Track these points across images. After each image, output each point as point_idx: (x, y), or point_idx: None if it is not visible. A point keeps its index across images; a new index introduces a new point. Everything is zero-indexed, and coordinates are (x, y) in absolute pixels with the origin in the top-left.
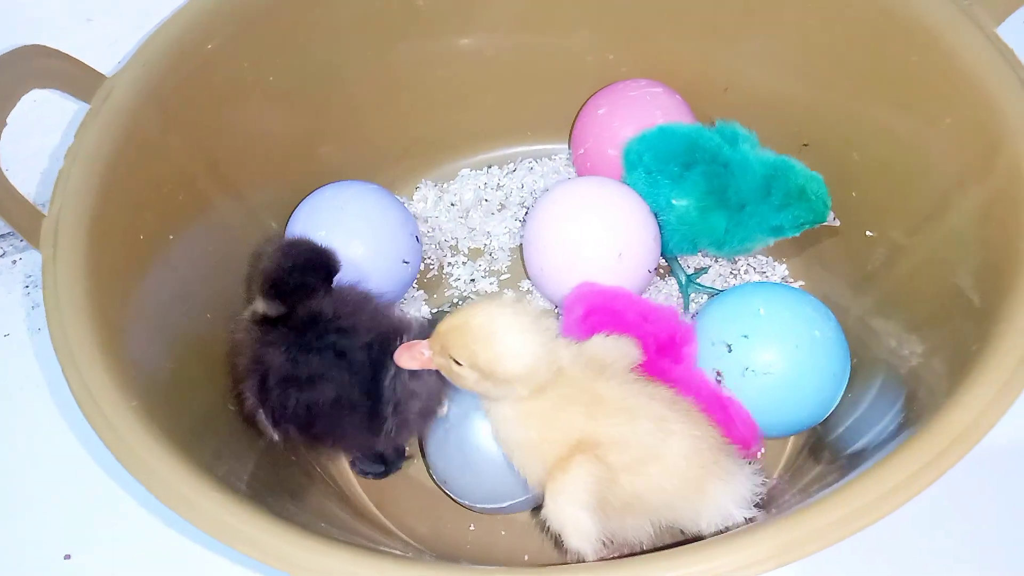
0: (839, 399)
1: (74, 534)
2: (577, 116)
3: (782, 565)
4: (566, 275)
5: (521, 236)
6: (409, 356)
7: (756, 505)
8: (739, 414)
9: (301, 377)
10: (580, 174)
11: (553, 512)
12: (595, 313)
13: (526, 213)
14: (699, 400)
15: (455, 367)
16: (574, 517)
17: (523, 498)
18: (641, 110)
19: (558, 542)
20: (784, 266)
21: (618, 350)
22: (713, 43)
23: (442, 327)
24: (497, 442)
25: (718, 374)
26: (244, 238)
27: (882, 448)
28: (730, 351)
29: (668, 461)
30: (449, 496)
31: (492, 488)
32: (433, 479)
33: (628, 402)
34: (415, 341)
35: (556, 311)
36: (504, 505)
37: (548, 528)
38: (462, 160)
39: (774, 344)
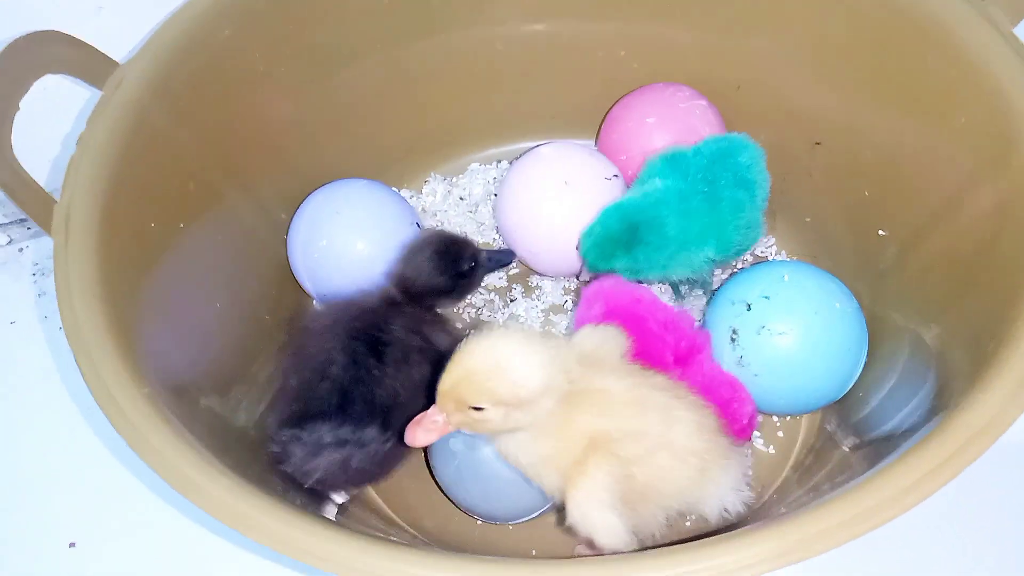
0: (854, 378)
1: (79, 522)
2: (613, 117)
3: (788, 564)
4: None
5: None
6: (423, 430)
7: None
8: (740, 392)
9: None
10: None
11: (580, 519)
12: (614, 316)
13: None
14: (702, 383)
15: (477, 415)
16: (602, 519)
17: (551, 503)
18: (690, 125)
19: (591, 544)
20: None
21: (609, 340)
22: (725, 41)
23: (446, 386)
24: (515, 468)
25: (733, 332)
26: (253, 228)
27: (904, 439)
28: (749, 310)
29: (675, 448)
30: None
31: (521, 505)
32: (461, 510)
33: (634, 393)
34: (419, 416)
35: (565, 304)
36: (536, 515)
37: (576, 532)
38: (471, 155)
39: (794, 307)
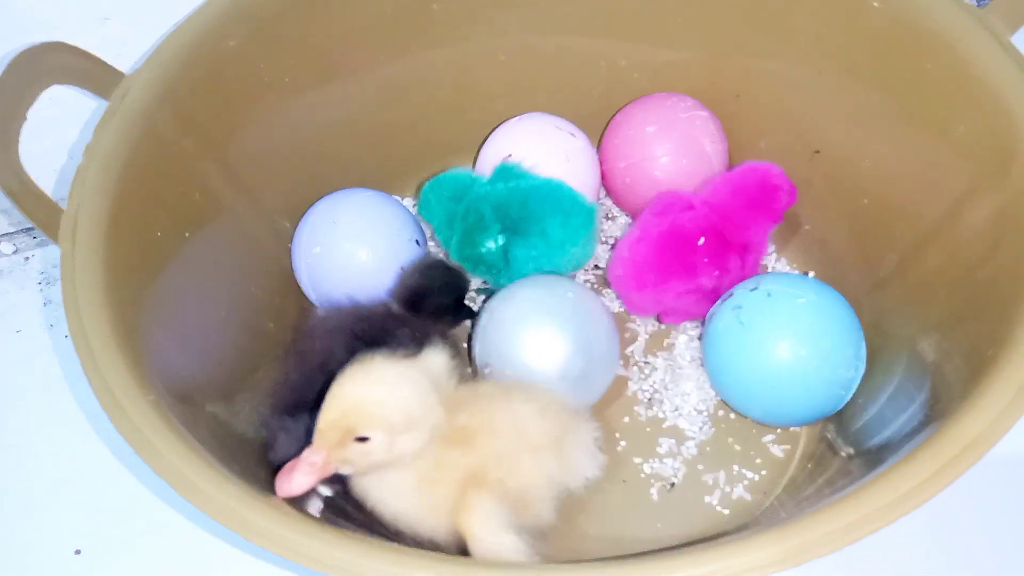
0: (790, 422)
1: (85, 529)
2: (614, 125)
3: (787, 569)
4: None
5: None
6: (300, 474)
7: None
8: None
9: None
10: (613, 185)
11: (484, 551)
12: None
13: None
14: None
15: (361, 447)
16: (504, 546)
17: None
18: (690, 134)
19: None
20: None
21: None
22: (724, 49)
23: (331, 417)
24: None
25: (730, 294)
26: (258, 237)
27: (900, 447)
28: (753, 291)
29: (531, 443)
30: None
31: None
32: None
33: (480, 416)
34: (290, 463)
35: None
36: None
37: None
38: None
39: (781, 323)
